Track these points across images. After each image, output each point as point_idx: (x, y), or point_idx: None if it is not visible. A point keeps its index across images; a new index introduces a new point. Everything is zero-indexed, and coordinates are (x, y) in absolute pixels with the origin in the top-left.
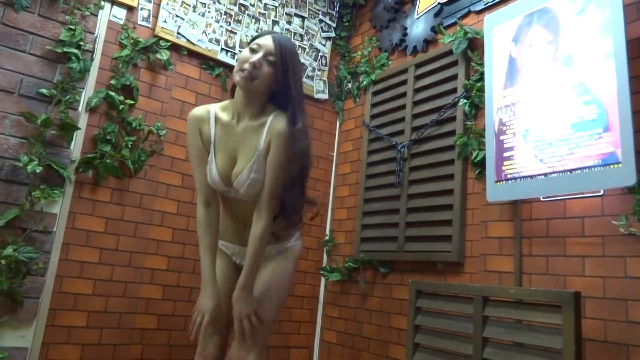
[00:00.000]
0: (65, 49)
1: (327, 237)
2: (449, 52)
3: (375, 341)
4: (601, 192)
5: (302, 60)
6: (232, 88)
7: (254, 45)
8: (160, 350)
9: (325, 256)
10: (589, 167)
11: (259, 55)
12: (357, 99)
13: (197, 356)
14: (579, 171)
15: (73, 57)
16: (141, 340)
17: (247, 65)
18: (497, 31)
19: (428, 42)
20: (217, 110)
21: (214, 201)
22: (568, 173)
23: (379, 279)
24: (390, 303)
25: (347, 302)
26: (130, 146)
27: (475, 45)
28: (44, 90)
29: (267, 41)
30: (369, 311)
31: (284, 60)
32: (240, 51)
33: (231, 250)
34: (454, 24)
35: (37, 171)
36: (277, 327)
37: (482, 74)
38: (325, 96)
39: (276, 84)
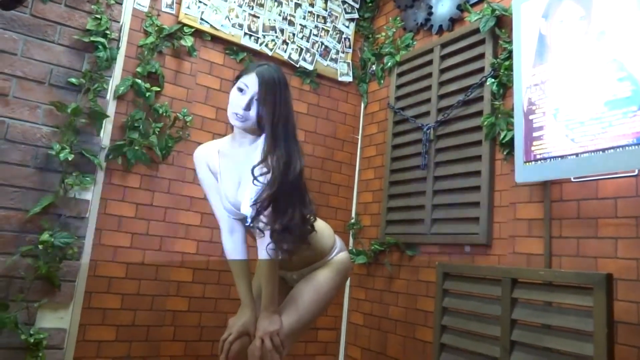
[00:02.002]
0: (92, 38)
1: (352, 220)
2: (476, 31)
3: (402, 323)
4: (635, 172)
5: (326, 43)
6: None
7: (241, 85)
8: (191, 332)
9: (351, 239)
10: (622, 146)
11: (247, 98)
12: (382, 81)
13: None
14: (612, 150)
15: (100, 46)
16: (173, 322)
17: (238, 110)
18: (526, 7)
19: (454, 21)
20: (219, 145)
21: (237, 227)
22: (600, 152)
23: (405, 261)
24: (416, 285)
25: (373, 285)
26: (157, 133)
27: (503, 22)
28: (73, 80)
29: (252, 81)
30: (395, 293)
31: (267, 98)
32: (264, 35)
33: (280, 274)
34: (481, 1)
35: (70, 159)
36: None
37: (511, 52)
38: (350, 79)
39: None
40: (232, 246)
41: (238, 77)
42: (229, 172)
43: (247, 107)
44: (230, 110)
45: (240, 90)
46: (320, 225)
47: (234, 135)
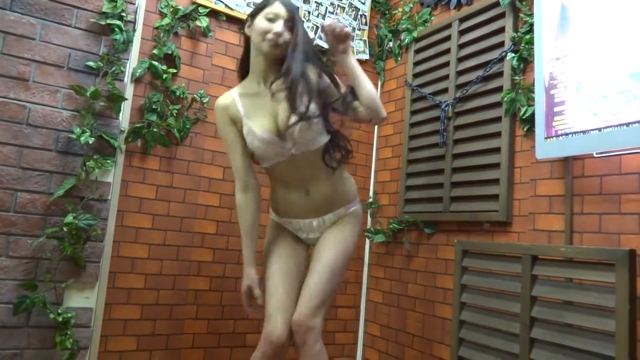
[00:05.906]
0: (108, 21)
1: (371, 199)
2: (496, 4)
3: (421, 300)
4: None
5: (343, 20)
6: (240, 69)
7: (270, 15)
8: (213, 310)
9: (369, 218)
10: None
11: (280, 23)
12: (399, 58)
13: (262, 336)
14: (636, 124)
15: (116, 29)
16: (195, 301)
17: (270, 35)
18: None
19: None
20: (238, 90)
21: (252, 186)
22: (624, 127)
23: (424, 239)
24: (435, 263)
25: (392, 263)
26: (175, 114)
27: None
28: (91, 63)
29: (280, 9)
30: (414, 271)
31: (297, 24)
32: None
33: (296, 226)
34: None
35: (90, 142)
36: None
37: (532, 25)
38: (366, 56)
39: (295, 44)
40: (244, 203)
41: (255, 14)
42: (260, 109)
43: (282, 32)
44: (260, 39)
45: (270, 20)
46: (347, 174)
47: (254, 74)
